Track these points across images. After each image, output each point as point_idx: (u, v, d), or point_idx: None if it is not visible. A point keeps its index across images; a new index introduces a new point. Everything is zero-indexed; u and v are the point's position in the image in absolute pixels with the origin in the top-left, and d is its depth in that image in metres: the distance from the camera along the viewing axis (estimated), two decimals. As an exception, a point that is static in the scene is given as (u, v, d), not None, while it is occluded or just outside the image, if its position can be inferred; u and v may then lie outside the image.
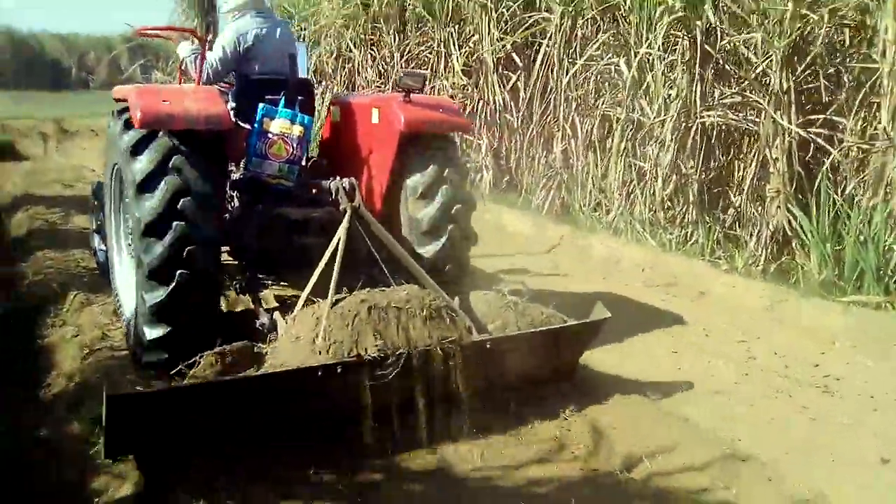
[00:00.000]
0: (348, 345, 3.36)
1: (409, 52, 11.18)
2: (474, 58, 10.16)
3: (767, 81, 6.92)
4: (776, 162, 6.92)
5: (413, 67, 10.73)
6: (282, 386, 3.28)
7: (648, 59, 7.77)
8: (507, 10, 9.56)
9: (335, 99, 5.16)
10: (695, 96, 7.24)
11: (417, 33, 11.13)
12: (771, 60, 6.81)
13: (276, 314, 3.91)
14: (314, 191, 4.44)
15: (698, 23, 7.20)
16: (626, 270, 6.92)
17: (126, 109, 4.04)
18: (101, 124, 15.77)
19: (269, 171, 4.27)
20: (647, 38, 7.66)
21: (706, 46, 7.17)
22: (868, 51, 6.58)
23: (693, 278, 6.50)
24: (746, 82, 7.17)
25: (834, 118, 6.78)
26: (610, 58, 8.34)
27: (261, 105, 4.27)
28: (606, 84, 8.66)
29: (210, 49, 4.67)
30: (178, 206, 3.73)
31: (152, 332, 3.80)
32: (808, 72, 6.89)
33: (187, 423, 3.19)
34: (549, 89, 9.12)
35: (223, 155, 4.18)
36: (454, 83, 10.34)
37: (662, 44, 7.54)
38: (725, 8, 7.16)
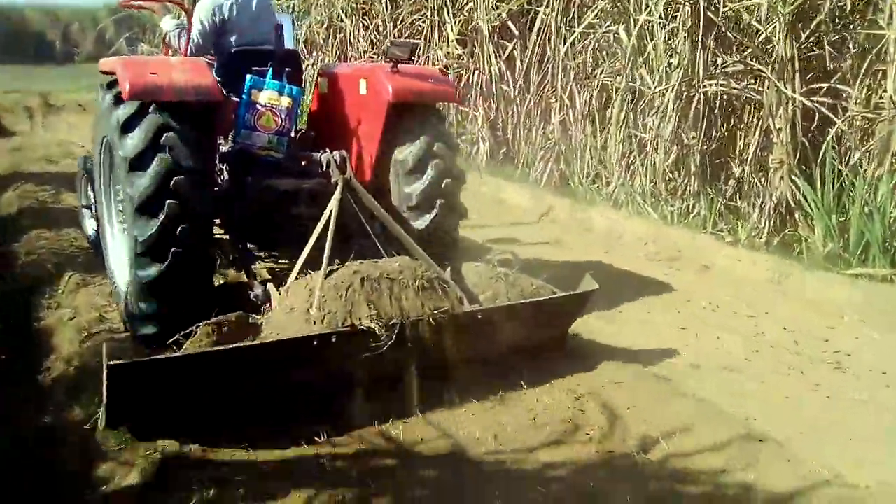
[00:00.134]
0: (342, 315, 3.39)
1: (402, 22, 10.97)
2: (469, 27, 9.97)
3: (771, 49, 6.80)
4: (779, 132, 6.83)
5: (406, 37, 10.52)
6: (279, 355, 3.32)
7: (648, 27, 7.62)
8: (503, -23, 9.36)
9: (323, 70, 5.13)
10: (697, 65, 7.10)
11: (410, 2, 10.90)
12: (775, 27, 6.68)
13: (270, 286, 3.93)
14: (304, 163, 4.44)
15: (701, -12, 7.05)
16: (628, 244, 6.85)
17: (115, 82, 4.00)
18: (87, 99, 15.48)
19: (258, 142, 4.26)
20: (647, 5, 7.51)
21: (708, 13, 7.01)
22: (874, 16, 6.46)
23: (696, 251, 6.44)
24: (749, 50, 7.04)
25: (838, 86, 6.69)
26: (609, 26, 8.18)
27: (248, 76, 4.25)
28: (605, 53, 8.51)
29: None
30: (171, 185, 3.71)
31: (146, 308, 3.84)
32: (812, 39, 6.78)
33: (186, 392, 3.23)
34: (546, 58, 8.97)
35: (212, 127, 4.14)
36: (448, 53, 10.16)
37: (663, 11, 7.39)
38: (728, -26, 7.01)
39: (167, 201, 3.71)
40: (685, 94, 7.28)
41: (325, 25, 12.48)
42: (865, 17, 6.64)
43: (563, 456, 3.24)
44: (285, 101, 4.26)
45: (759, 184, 7.12)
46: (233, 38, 4.71)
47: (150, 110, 3.80)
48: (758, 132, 7.11)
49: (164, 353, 3.45)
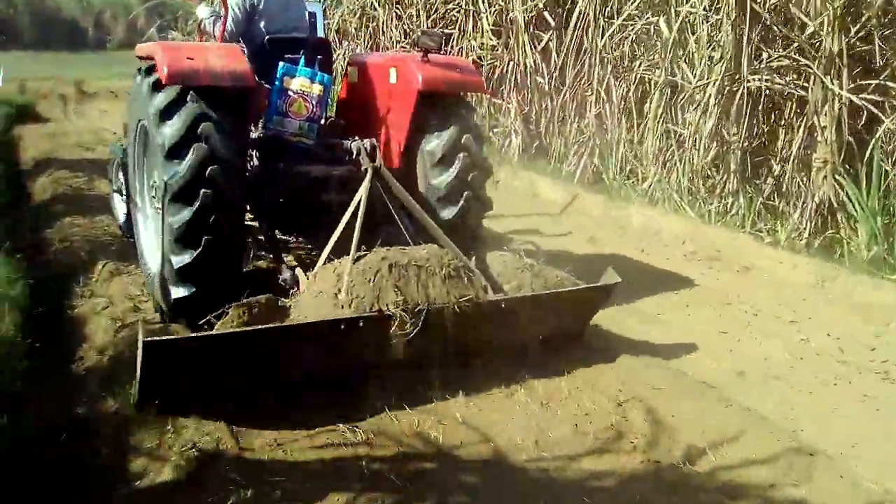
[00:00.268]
0: (370, 300, 3.45)
1: (435, 11, 10.83)
2: (505, 17, 9.82)
3: (817, 43, 6.60)
4: (824, 130, 6.63)
5: (440, 27, 10.39)
6: (307, 337, 3.39)
7: (690, 19, 7.44)
8: (540, -33, 9.20)
9: (352, 59, 5.14)
10: (741, 59, 6.90)
11: (445, -9, 10.77)
12: (823, 21, 6.47)
13: (298, 270, 3.98)
14: (334, 150, 4.46)
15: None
16: (664, 242, 6.70)
17: (153, 68, 4.02)
18: (119, 86, 15.53)
19: (289, 129, 4.30)
20: (690, -3, 7.33)
21: (754, 5, 6.81)
22: (928, 11, 6.24)
23: (736, 252, 6.27)
24: (796, 44, 6.83)
25: (888, 83, 6.46)
26: (649, 17, 8.00)
27: (281, 63, 4.29)
28: (643, 45, 8.34)
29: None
30: (206, 174, 3.76)
31: (177, 292, 3.89)
32: (861, 33, 6.56)
33: (217, 370, 3.30)
34: (583, 50, 8.80)
35: (246, 114, 4.16)
36: (482, 44, 10.02)
37: (707, 3, 7.20)
38: (777, -35, 6.81)
39: (202, 190, 3.75)
40: (727, 88, 7.10)
41: (357, 15, 12.38)
42: (919, 11, 6.43)
43: (607, 465, 3.15)
44: (317, 89, 4.30)
45: (800, 183, 6.93)
46: (263, 25, 4.75)
47: (187, 99, 3.83)
48: (801, 130, 6.91)
49: (196, 332, 3.51)
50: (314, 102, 4.29)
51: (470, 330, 3.65)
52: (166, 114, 3.85)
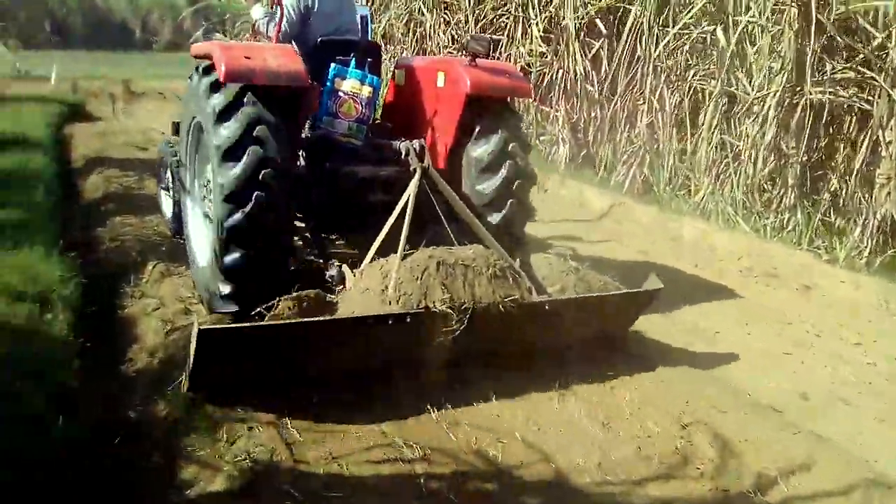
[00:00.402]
0: (417, 297, 3.49)
1: (484, 17, 10.74)
2: (555, 24, 9.70)
3: (885, 56, 6.37)
4: (889, 145, 6.39)
5: (490, 33, 10.30)
6: (356, 331, 3.45)
7: (748, 29, 7.25)
8: (592, -26, 9.06)
9: (400, 62, 5.14)
10: (803, 70, 6.70)
11: (494, -3, 10.67)
12: (890, 33, 6.25)
13: (344, 267, 4.03)
14: (381, 151, 4.53)
15: (812, -11, 6.64)
16: (719, 257, 6.50)
17: (211, 68, 4.06)
18: (166, 86, 15.76)
19: (339, 129, 4.36)
20: (749, 7, 7.13)
21: (818, 16, 6.60)
22: None
23: (794, 269, 6.07)
24: (861, 56, 6.60)
25: (958, 99, 6.22)
26: (705, 26, 7.82)
27: (332, 65, 4.34)
28: (697, 54, 8.15)
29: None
30: (260, 177, 3.81)
31: (225, 288, 3.97)
32: (931, 47, 6.32)
33: (267, 360, 3.38)
34: (636, 58, 8.63)
35: (298, 115, 4.20)
36: (531, 50, 9.90)
37: (765, 11, 7.00)
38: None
39: (255, 193, 3.81)
40: (787, 100, 6.89)
41: (404, 20, 12.34)
42: None
43: (674, 491, 3.01)
44: (366, 91, 4.35)
45: (861, 200, 6.70)
46: (316, 28, 4.80)
47: (244, 101, 3.88)
48: (864, 144, 6.68)
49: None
50: (363, 104, 4.35)
51: (514, 330, 3.68)
52: (223, 116, 3.90)
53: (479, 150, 4.49)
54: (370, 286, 3.64)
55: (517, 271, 3.82)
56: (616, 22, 9.22)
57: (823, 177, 7.15)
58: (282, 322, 3.41)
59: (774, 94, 6.89)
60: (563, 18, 9.35)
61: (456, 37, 11.22)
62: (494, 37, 10.09)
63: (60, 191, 7.28)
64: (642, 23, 8.49)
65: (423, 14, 11.84)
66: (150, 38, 31.47)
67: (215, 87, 3.98)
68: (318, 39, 4.72)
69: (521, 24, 10.10)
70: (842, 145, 7.12)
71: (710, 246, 6.68)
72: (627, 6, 8.79)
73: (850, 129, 7.03)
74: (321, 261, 4.32)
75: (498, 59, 9.96)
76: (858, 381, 4.31)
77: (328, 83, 4.32)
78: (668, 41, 8.10)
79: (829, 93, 6.73)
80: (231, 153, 3.84)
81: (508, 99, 4.77)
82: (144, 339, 4.30)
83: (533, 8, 9.85)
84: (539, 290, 3.86)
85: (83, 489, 2.91)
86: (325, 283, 3.99)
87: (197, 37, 17.88)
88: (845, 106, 6.87)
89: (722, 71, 7.48)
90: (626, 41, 8.68)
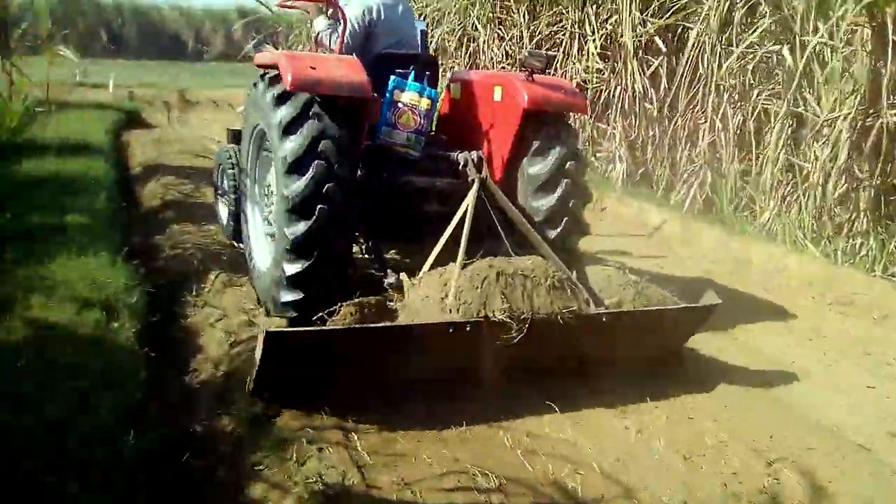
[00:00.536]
0: (477, 306, 3.52)
1: (539, 33, 10.64)
2: (612, 40, 9.56)
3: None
4: (970, 170, 6.12)
5: (546, 49, 10.20)
6: (418, 339, 3.48)
7: (816, 49, 7.02)
8: (651, -9, 8.91)
9: (455, 76, 5.19)
10: (879, 92, 6.46)
11: (550, 12, 10.56)
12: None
13: (403, 275, 4.06)
14: (438, 162, 4.60)
15: (888, 9, 6.41)
16: (789, 282, 6.26)
17: (276, 78, 4.13)
18: (220, 95, 15.99)
19: (397, 140, 4.42)
20: (817, 27, 6.91)
21: (894, 38, 6.36)
22: None
23: (871, 297, 5.79)
24: (941, 79, 6.35)
25: None
26: (770, 45, 7.61)
27: (392, 77, 4.41)
28: (762, 73, 7.94)
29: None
30: (324, 191, 3.89)
31: (286, 296, 4.05)
32: None
33: (330, 364, 3.42)
34: (698, 77, 8.44)
35: (361, 127, 4.25)
36: (588, 67, 9.76)
37: (838, 32, 6.78)
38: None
39: (319, 206, 3.88)
40: (860, 123, 6.65)
41: (457, 35, 12.31)
42: None
43: (768, 534, 2.84)
44: (425, 103, 4.41)
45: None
46: (378, 40, 4.88)
47: (310, 114, 3.95)
48: (943, 170, 6.41)
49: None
50: (422, 115, 4.41)
51: (572, 342, 3.71)
52: (289, 129, 3.96)
53: (536, 167, 4.49)
54: (430, 294, 3.67)
55: (575, 283, 3.84)
56: (675, 40, 9.06)
57: (899, 201, 6.88)
58: (350, 327, 3.46)
59: (846, 117, 6.65)
60: (621, 36, 9.21)
61: (510, 52, 11.15)
62: (549, 53, 10.02)
63: (120, 198, 7.35)
64: (704, 41, 8.31)
65: (476, 29, 11.80)
66: (202, 48, 32.06)
67: (281, 98, 4.04)
68: (380, 52, 4.81)
69: (577, 41, 9.98)
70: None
71: (779, 269, 6.44)
72: (688, 24, 8.62)
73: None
74: (378, 269, 4.37)
75: (553, 75, 9.87)
76: (950, 419, 4.06)
77: (388, 94, 4.37)
78: (732, 61, 7.89)
79: (907, 116, 6.48)
80: (296, 166, 3.90)
81: (565, 114, 4.77)
82: (208, 350, 4.26)
83: (590, 24, 9.73)
84: (597, 302, 3.87)
85: (153, 504, 2.86)
86: (382, 291, 4.02)
87: (248, 49, 18.15)
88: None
89: (788, 91, 7.27)
90: (688, 59, 8.49)
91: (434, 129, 5.13)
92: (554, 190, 4.46)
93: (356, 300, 3.64)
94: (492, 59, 11.48)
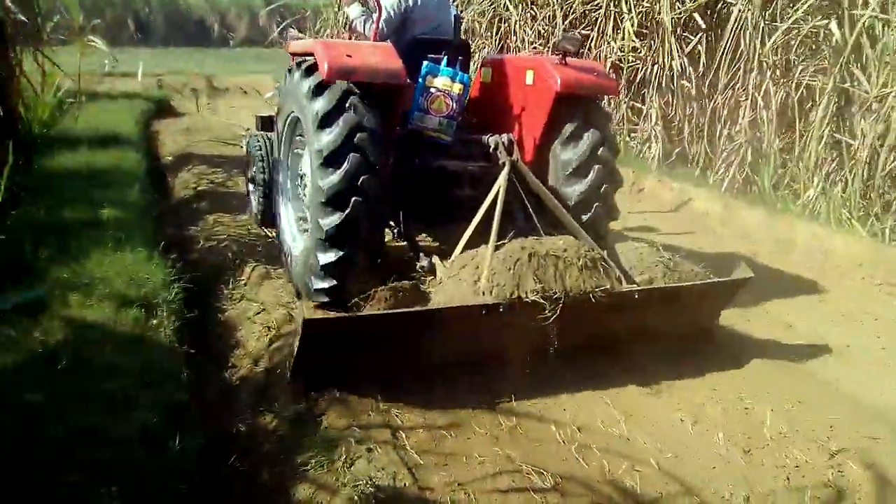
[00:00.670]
0: (510, 287, 3.53)
1: (573, 12, 10.39)
2: (649, 18, 9.30)
3: None
4: None
5: (580, 28, 9.97)
6: (452, 321, 3.48)
7: (867, 23, 6.74)
8: (690, -33, 8.63)
9: (486, 59, 5.13)
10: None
11: (585, -10, 10.29)
12: None
13: (435, 258, 4.12)
14: (469, 146, 4.59)
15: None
16: (837, 262, 6.05)
17: (312, 67, 4.12)
18: (247, 81, 15.91)
19: (430, 125, 4.41)
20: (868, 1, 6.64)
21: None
22: None
23: (924, 279, 5.59)
24: None
25: None
26: (817, 20, 7.33)
27: (425, 62, 4.40)
28: (806, 49, 7.66)
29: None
30: (359, 183, 3.91)
31: (319, 283, 4.08)
32: None
33: (367, 349, 3.42)
34: (739, 54, 8.18)
35: (395, 113, 4.28)
36: (623, 46, 9.52)
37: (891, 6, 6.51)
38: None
39: (353, 198, 3.90)
40: (912, 98, 6.39)
41: (487, 17, 12.08)
42: None
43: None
44: (457, 88, 4.40)
45: None
46: (413, 27, 4.89)
47: (346, 106, 3.95)
48: None
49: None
50: (454, 100, 4.40)
51: (605, 320, 3.71)
52: (325, 121, 3.95)
53: (568, 153, 4.47)
54: (463, 277, 3.72)
55: (606, 261, 3.84)
56: (715, 16, 8.79)
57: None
58: (385, 312, 3.49)
59: (897, 93, 6.39)
60: (659, 13, 8.95)
61: (543, 32, 10.92)
62: (582, 33, 9.79)
63: (152, 188, 7.33)
64: (746, 17, 8.04)
65: (507, 9, 11.56)
66: (227, 34, 32.07)
67: (318, 90, 4.03)
68: (414, 38, 4.80)
69: (612, 19, 9.73)
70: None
71: (824, 250, 6.23)
72: (729, 0, 8.34)
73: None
74: (411, 252, 4.39)
75: (586, 55, 9.65)
76: None
77: (420, 80, 4.37)
78: (777, 37, 7.62)
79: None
80: (332, 158, 3.91)
81: (597, 96, 4.72)
82: (247, 346, 4.20)
83: (626, 2, 9.47)
84: (628, 279, 3.88)
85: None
86: (414, 274, 4.09)
87: (275, 35, 18.06)
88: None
89: (836, 67, 7.01)
90: (729, 36, 8.22)
91: (465, 112, 5.08)
92: (586, 175, 4.43)
93: (390, 285, 3.67)
94: (523, 39, 11.26)
